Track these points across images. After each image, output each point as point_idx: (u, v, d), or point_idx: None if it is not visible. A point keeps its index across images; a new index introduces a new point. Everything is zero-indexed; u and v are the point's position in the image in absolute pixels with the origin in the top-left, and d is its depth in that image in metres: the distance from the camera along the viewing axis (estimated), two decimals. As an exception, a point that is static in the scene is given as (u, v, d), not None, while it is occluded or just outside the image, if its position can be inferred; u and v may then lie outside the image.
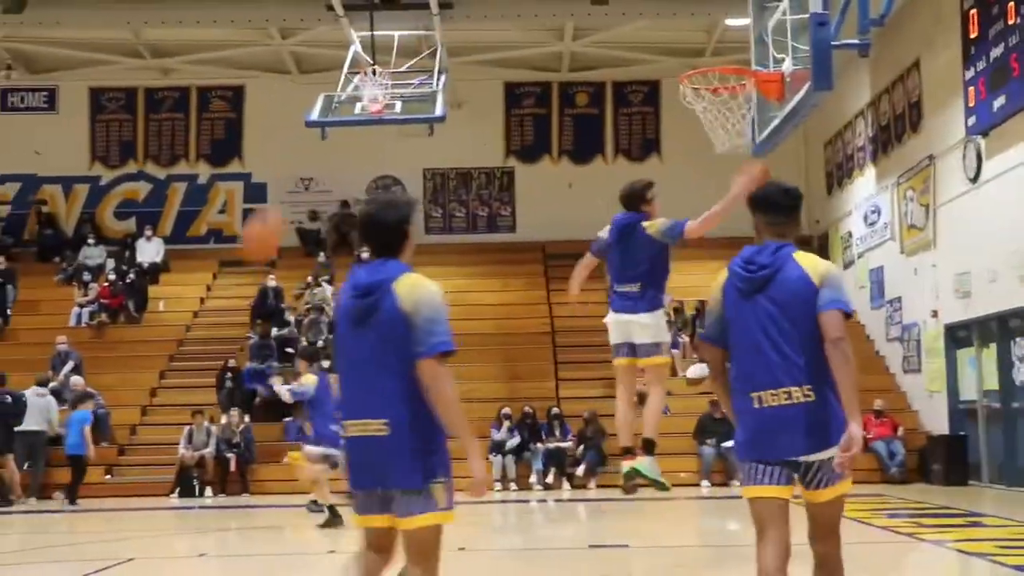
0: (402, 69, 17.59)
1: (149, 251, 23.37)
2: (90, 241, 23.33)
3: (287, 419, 18.69)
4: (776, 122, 9.75)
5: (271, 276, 21.91)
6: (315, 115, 16.47)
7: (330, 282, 22.06)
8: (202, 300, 22.98)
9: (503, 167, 25.14)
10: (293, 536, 13.18)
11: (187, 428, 17.42)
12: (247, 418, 18.08)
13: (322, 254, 22.93)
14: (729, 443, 17.47)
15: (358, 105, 16.53)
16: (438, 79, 17.15)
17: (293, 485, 17.37)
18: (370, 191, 24.88)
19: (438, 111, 16.41)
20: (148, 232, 23.66)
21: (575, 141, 25.17)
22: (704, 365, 13.86)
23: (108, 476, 17.75)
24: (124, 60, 23.93)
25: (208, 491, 17.11)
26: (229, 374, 19.04)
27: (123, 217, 24.61)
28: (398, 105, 16.63)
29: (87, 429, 16.18)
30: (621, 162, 25.02)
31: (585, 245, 26.49)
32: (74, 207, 24.62)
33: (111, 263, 22.92)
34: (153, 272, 23.10)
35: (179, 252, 23.93)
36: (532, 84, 25.16)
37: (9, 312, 21.72)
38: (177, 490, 17.08)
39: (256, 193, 24.88)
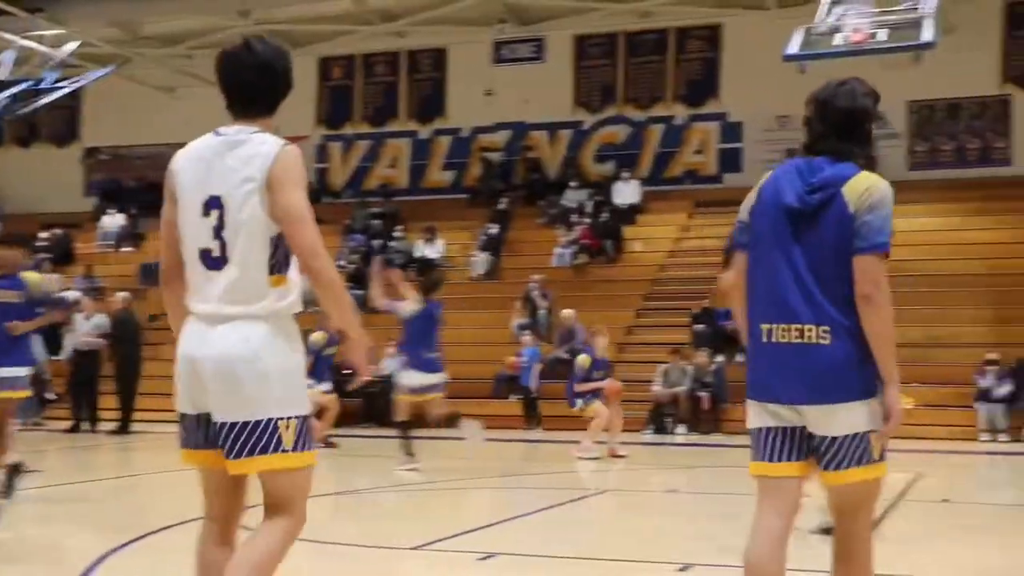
0: (886, -5, 16.59)
1: (626, 193, 23.95)
2: (572, 184, 24.29)
3: (760, 360, 18.51)
4: None
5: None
6: (793, 49, 15.95)
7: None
8: (677, 241, 23.26)
9: (999, 95, 23.16)
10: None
11: (662, 366, 17.73)
12: (719, 358, 18.08)
13: (798, 193, 22.38)
14: None
15: (838, 36, 15.83)
16: (928, 2, 15.99)
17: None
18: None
19: (927, 37, 15.30)
20: (625, 174, 24.23)
21: (1091, 62, 22.69)
22: None
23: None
24: (606, 6, 24.55)
25: (680, 428, 17.33)
26: (703, 313, 19.14)
27: (603, 160, 25.38)
28: (882, 33, 15.72)
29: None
30: None
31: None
32: (558, 152, 25.74)
33: (590, 205, 23.70)
34: (630, 213, 23.66)
35: (655, 194, 24.33)
36: (1037, 2, 22.94)
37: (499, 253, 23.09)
38: (651, 426, 17.47)
39: (731, 133, 24.72)
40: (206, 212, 3.63)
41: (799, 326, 3.71)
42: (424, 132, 26.59)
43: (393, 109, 26.80)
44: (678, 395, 17.37)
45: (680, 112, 25.06)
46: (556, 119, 25.61)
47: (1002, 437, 16.20)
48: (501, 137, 25.97)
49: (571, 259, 22.50)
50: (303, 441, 3.66)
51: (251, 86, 3.75)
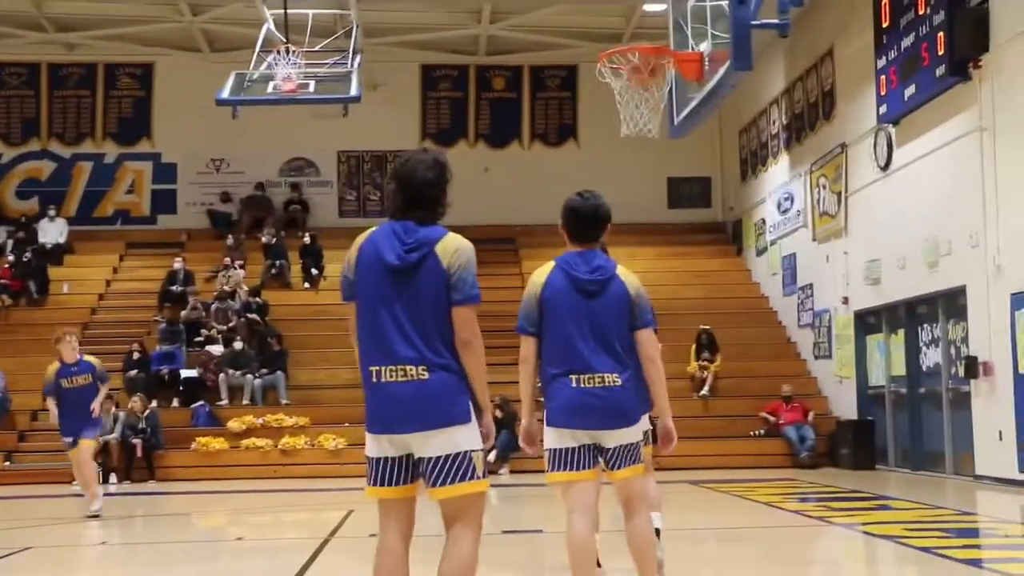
0: (316, 49, 17.27)
1: (52, 232, 22.72)
2: (-10, 221, 22.61)
3: (196, 404, 18.31)
4: (694, 103, 9.70)
5: (179, 259, 21.46)
6: (226, 93, 16.08)
7: (242, 266, 21.65)
8: (108, 283, 22.40)
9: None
10: (199, 523, 12.90)
11: (92, 413, 16.93)
12: (153, 403, 17.64)
13: (230, 237, 22.51)
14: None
15: (271, 84, 16.18)
16: (353, 60, 16.87)
17: (201, 471, 17.10)
18: (283, 172, 24.55)
19: (353, 92, 16.14)
20: (51, 212, 22.99)
21: (492, 125, 25.04)
22: None
23: (7, 463, 17.21)
24: (26, 34, 23.15)
25: (113, 478, 16.65)
26: (136, 357, 18.59)
27: (25, 196, 23.85)
28: (312, 85, 16.32)
29: None
30: (538, 147, 24.98)
31: (500, 230, 26.91)
32: (-27, 186, 23.86)
33: (11, 244, 22.17)
34: (56, 253, 22.44)
35: (84, 233, 23.31)
36: (449, 67, 24.94)
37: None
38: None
39: (166, 173, 24.36)
40: None
41: (403, 367, 4.23)
42: None
43: None
44: (109, 443, 16.66)
45: (111, 150, 24.24)
46: (-30, 150, 23.74)
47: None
48: (-97, 166, 23.58)
49: (-10, 301, 20.87)
50: None
51: None
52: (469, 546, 4.30)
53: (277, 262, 22.03)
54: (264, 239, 22.50)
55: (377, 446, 4.31)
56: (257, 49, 16.99)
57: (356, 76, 16.55)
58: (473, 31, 23.53)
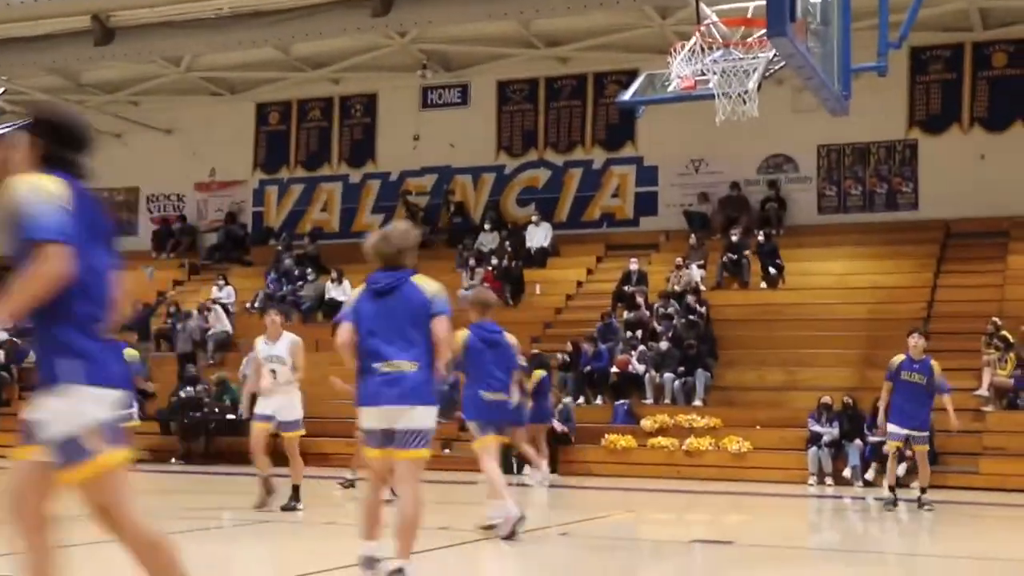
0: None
1: (538, 236, 24.15)
2: (486, 227, 24.51)
3: (618, 402, 18.54)
4: None
5: (634, 259, 21.83)
6: (628, 95, 16.13)
7: (702, 266, 21.57)
8: (579, 284, 23.35)
9: (905, 140, 23.11)
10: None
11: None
12: (568, 399, 18.22)
13: (693, 236, 22.44)
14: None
15: (673, 83, 15.98)
16: (761, 57, 16.06)
17: (607, 467, 17.30)
18: (761, 170, 24.01)
19: (750, 85, 15.39)
20: (534, 218, 24.43)
21: (990, 107, 22.55)
22: None
23: (446, 451, 18.60)
24: (522, 52, 24.83)
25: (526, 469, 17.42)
26: (568, 352, 19.33)
27: (524, 204, 25.60)
28: (714, 80, 15.83)
29: None
30: (1046, 127, 22.11)
31: (995, 223, 24.51)
32: (481, 195, 26.02)
33: (503, 249, 23.86)
34: (540, 257, 23.82)
35: (571, 237, 24.50)
36: (940, 47, 22.87)
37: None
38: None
39: (647, 176, 24.90)
40: None
41: None
42: (355, 176, 27.07)
43: (327, 153, 27.35)
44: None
45: (598, 156, 25.26)
46: (480, 163, 25.94)
47: (828, 480, 16.19)
48: (427, 181, 26.36)
49: (473, 302, 22.70)
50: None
51: None
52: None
53: (733, 258, 21.65)
54: (734, 238, 22.19)
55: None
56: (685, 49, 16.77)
57: (760, 68, 15.78)
58: (961, 5, 21.41)
